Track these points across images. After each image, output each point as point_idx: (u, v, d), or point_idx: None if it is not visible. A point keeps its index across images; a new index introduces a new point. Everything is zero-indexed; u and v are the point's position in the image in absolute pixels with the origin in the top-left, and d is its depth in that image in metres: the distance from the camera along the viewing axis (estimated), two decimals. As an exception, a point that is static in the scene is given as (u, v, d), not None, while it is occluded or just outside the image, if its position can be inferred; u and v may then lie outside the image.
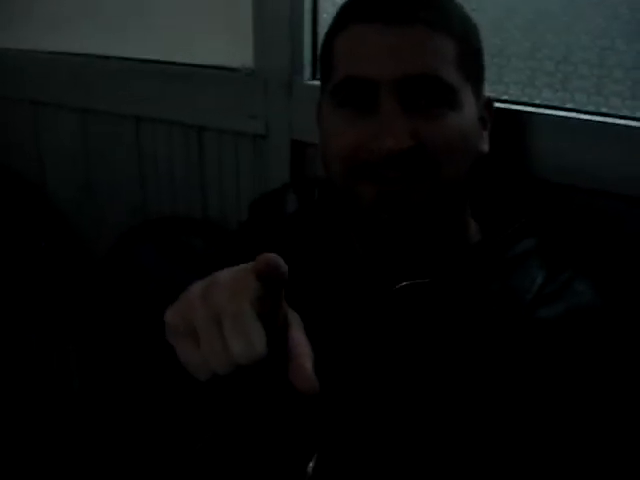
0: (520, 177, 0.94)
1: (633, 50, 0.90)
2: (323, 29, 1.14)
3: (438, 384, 0.73)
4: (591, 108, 0.93)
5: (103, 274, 1.43)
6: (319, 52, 0.84)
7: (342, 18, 0.80)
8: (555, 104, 0.96)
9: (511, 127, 0.93)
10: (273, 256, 0.52)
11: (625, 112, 0.91)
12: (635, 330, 0.74)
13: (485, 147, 0.82)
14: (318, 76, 1.17)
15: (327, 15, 1.14)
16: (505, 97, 0.99)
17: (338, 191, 0.80)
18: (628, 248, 0.90)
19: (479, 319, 0.74)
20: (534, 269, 0.76)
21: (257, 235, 0.93)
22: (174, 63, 1.31)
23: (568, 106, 0.95)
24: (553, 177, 0.93)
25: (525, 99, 0.98)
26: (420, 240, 0.78)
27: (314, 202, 0.92)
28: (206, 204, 1.35)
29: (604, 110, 0.92)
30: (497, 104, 0.87)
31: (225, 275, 0.56)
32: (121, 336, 1.36)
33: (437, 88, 0.73)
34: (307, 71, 1.17)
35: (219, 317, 0.53)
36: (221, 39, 1.27)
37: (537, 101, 0.97)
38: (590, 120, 0.91)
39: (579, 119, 0.92)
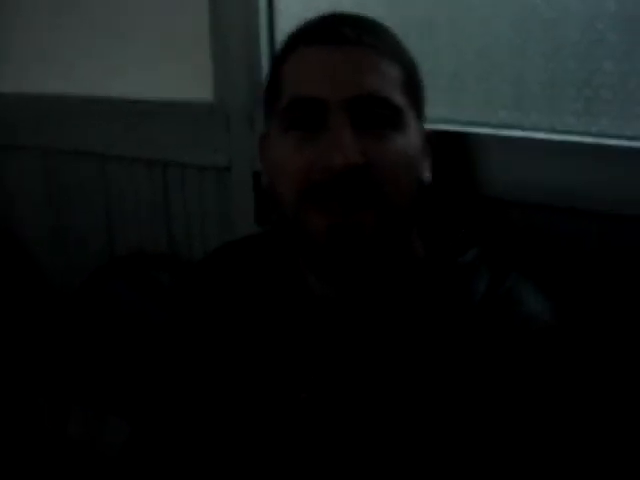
0: (462, 195, 0.95)
1: (584, 69, 0.92)
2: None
3: (402, 406, 0.73)
4: (547, 126, 0.95)
5: (75, 310, 1.41)
6: (265, 82, 0.84)
7: (289, 44, 0.80)
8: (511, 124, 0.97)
9: (454, 147, 0.94)
10: None
11: (581, 129, 0.93)
12: (578, 334, 0.76)
13: (428, 176, 0.82)
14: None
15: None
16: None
17: (289, 225, 0.78)
18: (565, 255, 0.91)
19: (429, 331, 0.74)
20: (477, 278, 0.76)
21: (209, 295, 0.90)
22: (136, 100, 1.32)
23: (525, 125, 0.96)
24: (498, 193, 0.93)
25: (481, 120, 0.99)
26: (370, 267, 0.77)
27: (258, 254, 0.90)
28: (172, 238, 1.35)
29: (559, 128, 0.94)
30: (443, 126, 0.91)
31: None
32: (94, 373, 1.35)
33: (385, 109, 0.74)
34: (267, 103, 1.18)
35: None
36: (181, 75, 1.28)
37: (493, 122, 0.99)
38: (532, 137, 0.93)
39: (523, 137, 0.94)
